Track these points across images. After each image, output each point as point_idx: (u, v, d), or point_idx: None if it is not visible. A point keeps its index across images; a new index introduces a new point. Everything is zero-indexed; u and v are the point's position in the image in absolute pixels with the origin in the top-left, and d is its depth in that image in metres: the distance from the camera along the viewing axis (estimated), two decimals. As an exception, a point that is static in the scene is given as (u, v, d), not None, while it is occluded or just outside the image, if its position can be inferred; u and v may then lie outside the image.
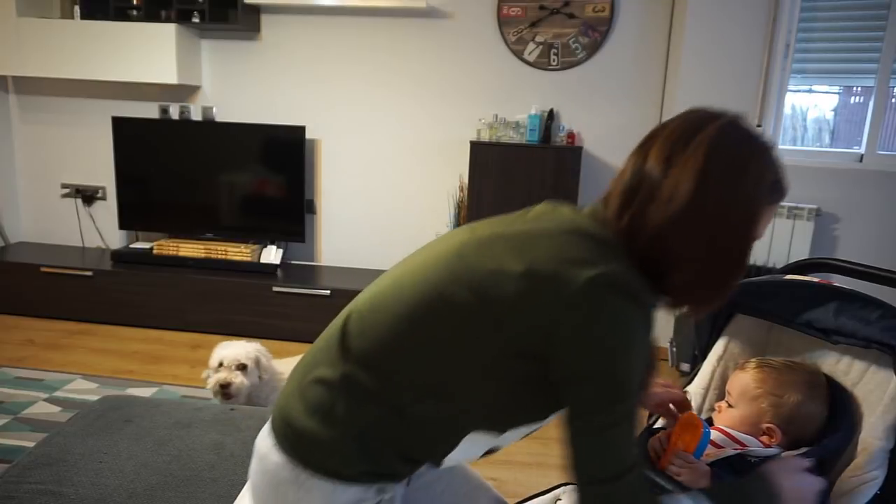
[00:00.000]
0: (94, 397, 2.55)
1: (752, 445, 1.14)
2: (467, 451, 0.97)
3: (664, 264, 0.88)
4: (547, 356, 0.85)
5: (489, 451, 1.01)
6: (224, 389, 2.09)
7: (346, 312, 1.01)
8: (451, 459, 0.97)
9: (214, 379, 2.11)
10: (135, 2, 3.44)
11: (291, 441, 0.94)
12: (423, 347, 0.89)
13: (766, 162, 0.90)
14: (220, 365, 2.12)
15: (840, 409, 1.16)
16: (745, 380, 1.18)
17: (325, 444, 0.92)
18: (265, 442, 0.99)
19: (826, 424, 1.15)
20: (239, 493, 1.40)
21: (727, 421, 1.18)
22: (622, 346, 0.82)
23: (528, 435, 0.99)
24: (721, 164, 0.87)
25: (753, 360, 1.23)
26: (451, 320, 0.88)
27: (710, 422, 1.23)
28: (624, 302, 0.82)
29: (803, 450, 1.13)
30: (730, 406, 1.19)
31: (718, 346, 1.37)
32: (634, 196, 0.90)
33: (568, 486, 1.24)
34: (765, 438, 1.15)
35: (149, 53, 3.41)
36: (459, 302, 0.88)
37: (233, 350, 2.14)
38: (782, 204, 2.92)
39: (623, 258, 0.88)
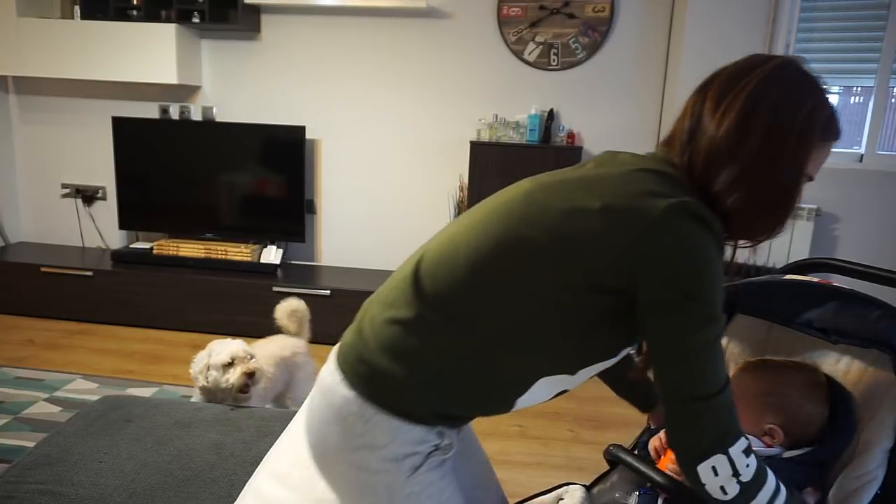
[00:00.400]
0: (94, 397, 2.55)
1: (755, 446, 1.14)
2: (538, 395, 0.99)
3: (720, 195, 0.92)
4: (628, 288, 0.88)
5: (559, 393, 1.04)
6: (250, 378, 2.04)
7: (419, 255, 1.01)
8: (524, 401, 0.99)
9: (237, 373, 2.02)
10: (135, 2, 3.44)
11: (363, 377, 0.95)
12: (499, 290, 0.91)
13: (819, 99, 0.92)
14: (231, 362, 2.05)
15: (840, 408, 1.16)
16: (745, 380, 1.18)
17: (398, 383, 0.93)
18: (332, 377, 0.99)
19: (826, 424, 1.15)
20: (239, 493, 1.40)
21: None
22: (706, 268, 0.85)
23: (596, 374, 1.03)
24: (771, 98, 0.90)
25: (753, 359, 1.22)
26: (527, 261, 0.90)
27: None
28: (701, 228, 0.86)
29: (805, 450, 1.13)
30: None
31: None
32: (693, 134, 0.95)
33: (570, 486, 1.24)
34: (766, 439, 1.15)
35: (149, 53, 3.41)
36: (535, 241, 0.90)
37: (235, 344, 2.09)
38: (782, 204, 2.92)
39: (689, 192, 0.92)
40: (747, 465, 0.87)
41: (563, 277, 0.89)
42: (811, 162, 0.94)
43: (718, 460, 0.86)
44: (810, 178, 0.97)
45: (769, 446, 1.14)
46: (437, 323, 0.93)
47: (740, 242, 0.98)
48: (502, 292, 0.91)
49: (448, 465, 1.00)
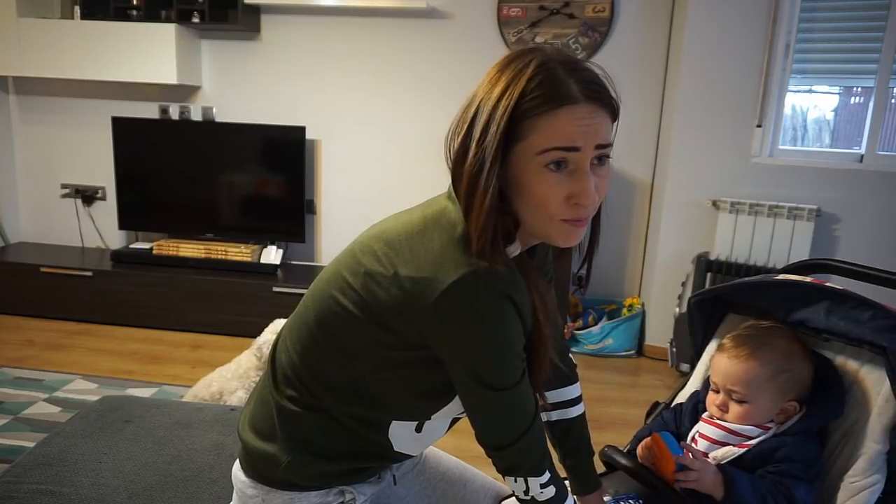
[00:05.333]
0: (94, 397, 2.55)
1: (753, 436, 1.13)
2: (409, 442, 1.02)
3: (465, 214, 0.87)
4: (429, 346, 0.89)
5: (450, 424, 1.07)
6: None
7: (279, 333, 1.08)
8: (403, 447, 1.02)
9: None
10: (135, 2, 3.44)
11: (248, 461, 1.03)
12: (328, 351, 0.94)
13: (516, 72, 0.83)
14: None
15: (821, 362, 1.17)
16: (753, 369, 1.13)
17: (274, 459, 0.98)
18: (236, 464, 1.07)
19: (812, 381, 1.15)
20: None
21: (741, 417, 1.14)
22: (489, 342, 0.85)
23: (457, 419, 1.05)
24: (479, 95, 0.85)
25: (731, 345, 1.17)
26: (343, 321, 0.92)
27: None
28: (482, 300, 0.83)
29: (798, 417, 1.12)
30: (741, 402, 1.13)
31: (712, 347, 1.37)
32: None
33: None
34: (779, 417, 1.13)
35: (149, 53, 3.41)
36: (347, 303, 0.91)
37: None
38: (782, 204, 2.92)
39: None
40: (541, 493, 0.96)
41: (375, 337, 0.90)
42: (533, 140, 0.82)
43: (519, 480, 0.95)
44: (569, 149, 0.82)
45: (783, 422, 1.13)
46: (291, 393, 0.98)
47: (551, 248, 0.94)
48: (332, 353, 0.94)
49: None
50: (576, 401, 1.18)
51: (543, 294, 0.91)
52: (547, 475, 0.96)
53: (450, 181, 0.91)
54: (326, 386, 0.95)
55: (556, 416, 1.17)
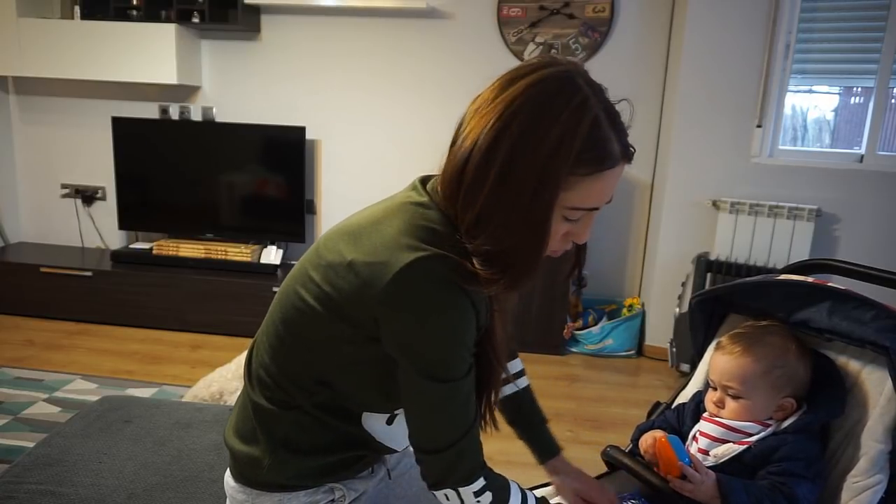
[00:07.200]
0: (94, 397, 2.55)
1: (754, 432, 1.13)
2: (385, 434, 1.02)
3: (467, 236, 0.85)
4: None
5: None
6: None
7: (255, 335, 1.08)
8: (385, 440, 1.02)
9: None
10: (135, 2, 3.44)
11: (235, 467, 1.03)
12: (293, 348, 0.95)
13: (572, 124, 0.78)
14: None
15: (821, 363, 1.17)
16: (747, 365, 1.13)
17: (257, 462, 0.99)
18: (227, 472, 1.07)
19: (811, 379, 1.15)
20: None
21: (737, 413, 1.14)
22: (439, 333, 0.84)
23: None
24: (516, 120, 0.79)
25: (727, 343, 1.18)
26: (305, 317, 0.92)
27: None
28: (435, 285, 0.82)
29: (799, 414, 1.12)
30: (737, 398, 1.14)
31: (713, 347, 1.36)
32: (449, 159, 0.87)
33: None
34: (777, 414, 1.13)
35: (149, 53, 3.41)
36: (309, 298, 0.91)
37: None
38: (782, 204, 2.92)
39: (442, 227, 0.86)
40: (478, 502, 0.91)
41: (338, 330, 0.89)
42: (569, 196, 0.82)
43: (450, 494, 0.91)
44: (596, 208, 0.85)
45: (781, 420, 1.13)
46: (267, 393, 0.99)
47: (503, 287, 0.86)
48: (300, 349, 0.94)
49: None
50: (520, 374, 1.22)
51: (502, 292, 0.89)
52: (481, 482, 0.91)
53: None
54: (295, 382, 0.95)
55: (506, 390, 1.19)
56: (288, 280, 0.98)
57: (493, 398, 0.98)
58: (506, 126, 0.80)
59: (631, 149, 0.84)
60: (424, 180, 0.94)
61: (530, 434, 1.22)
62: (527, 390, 1.23)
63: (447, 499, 0.92)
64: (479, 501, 0.91)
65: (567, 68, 0.82)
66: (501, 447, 2.26)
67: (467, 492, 0.90)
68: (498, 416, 1.06)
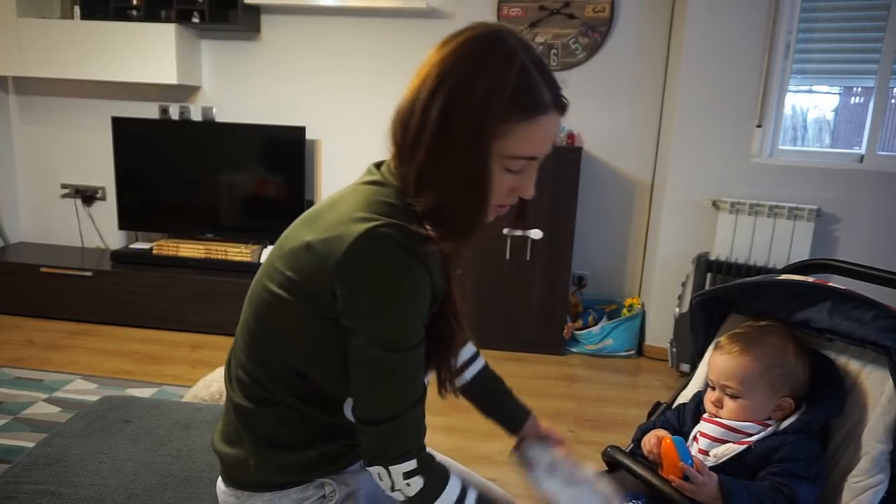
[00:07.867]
0: (94, 398, 2.55)
1: (753, 432, 1.13)
2: None
3: (414, 187, 0.89)
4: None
5: None
6: None
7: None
8: None
9: None
10: (135, 2, 3.44)
11: (224, 471, 1.04)
12: (264, 342, 0.95)
13: (501, 72, 0.83)
14: None
15: (820, 363, 1.17)
16: (745, 364, 1.14)
17: (244, 463, 0.99)
18: (218, 479, 1.07)
19: (810, 379, 1.15)
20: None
21: (736, 413, 1.15)
22: (390, 297, 0.84)
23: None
24: (451, 75, 0.84)
25: (726, 343, 1.18)
26: (272, 307, 0.93)
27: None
28: (389, 252, 0.84)
29: (798, 414, 1.12)
30: (735, 397, 1.14)
31: (713, 347, 1.36)
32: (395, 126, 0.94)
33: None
34: (777, 414, 1.13)
35: (149, 53, 3.41)
36: (274, 287, 0.93)
37: None
38: (782, 204, 2.92)
39: (395, 200, 0.90)
40: (408, 485, 0.89)
41: (309, 316, 0.89)
42: (507, 144, 0.85)
43: (381, 472, 0.89)
44: (534, 157, 0.88)
45: (781, 419, 1.13)
46: (248, 393, 0.99)
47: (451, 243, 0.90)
48: (274, 341, 0.94)
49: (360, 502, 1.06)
50: (476, 355, 1.22)
51: (453, 250, 0.91)
52: (412, 463, 0.88)
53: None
54: (272, 377, 0.96)
55: (468, 375, 1.19)
56: (256, 276, 1.00)
57: (452, 363, 0.99)
58: (441, 81, 0.84)
59: (563, 99, 0.87)
60: (379, 164, 1.00)
61: (499, 405, 1.22)
62: (486, 367, 1.23)
63: (380, 479, 0.90)
64: (408, 484, 0.89)
65: (498, 27, 0.89)
66: (501, 447, 2.25)
67: (397, 471, 0.88)
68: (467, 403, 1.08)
